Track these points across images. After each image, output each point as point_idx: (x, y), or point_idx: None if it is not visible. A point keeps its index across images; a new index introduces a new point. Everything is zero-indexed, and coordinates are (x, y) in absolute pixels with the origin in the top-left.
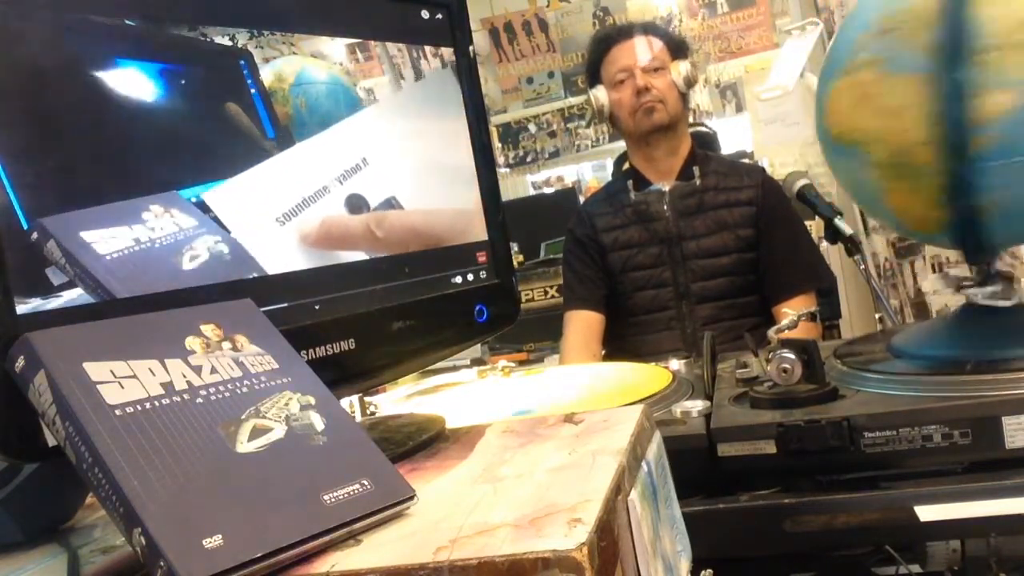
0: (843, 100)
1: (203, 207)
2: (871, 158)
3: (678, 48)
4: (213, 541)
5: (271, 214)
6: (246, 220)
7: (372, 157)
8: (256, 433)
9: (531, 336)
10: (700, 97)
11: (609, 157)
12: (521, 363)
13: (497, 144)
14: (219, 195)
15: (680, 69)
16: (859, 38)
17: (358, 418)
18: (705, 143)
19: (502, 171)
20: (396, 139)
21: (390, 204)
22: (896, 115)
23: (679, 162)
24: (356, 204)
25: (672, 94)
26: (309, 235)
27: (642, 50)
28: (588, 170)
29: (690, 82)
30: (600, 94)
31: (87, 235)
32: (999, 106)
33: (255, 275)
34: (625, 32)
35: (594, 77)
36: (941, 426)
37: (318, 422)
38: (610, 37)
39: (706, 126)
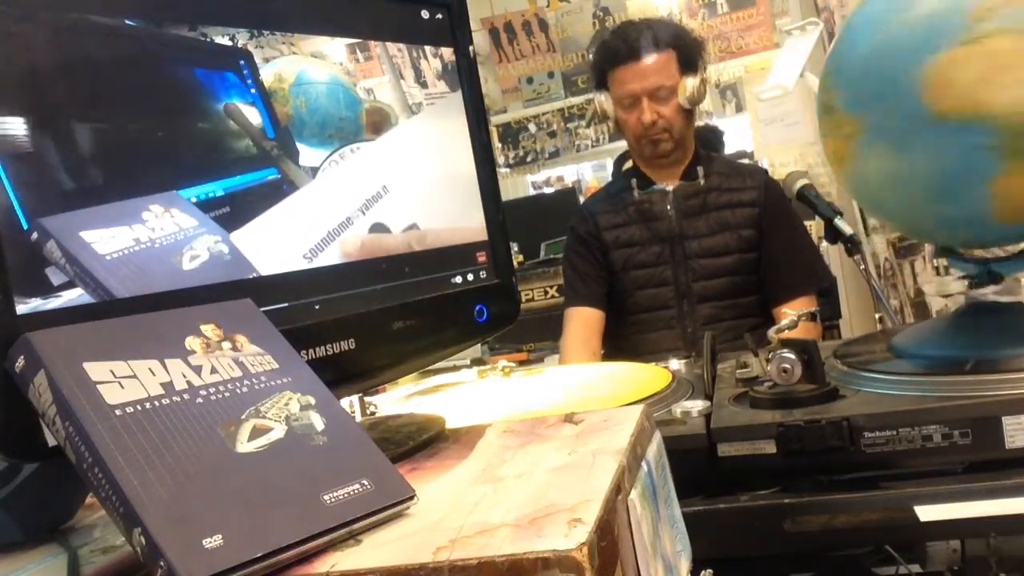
0: (962, 72)
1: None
2: (997, 133)
3: (688, 59)
4: (213, 541)
5: (298, 251)
6: (274, 258)
7: (391, 184)
8: (256, 433)
9: (531, 336)
10: None
11: (609, 157)
12: (521, 363)
13: (497, 144)
14: (246, 235)
15: (687, 86)
16: (976, 8)
17: (358, 418)
18: (709, 142)
19: (502, 171)
20: (413, 164)
21: (412, 229)
22: None
23: (683, 164)
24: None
25: (679, 119)
26: (351, 255)
27: (650, 75)
28: (588, 170)
29: (696, 100)
30: (605, 101)
31: (87, 235)
32: None
33: (255, 275)
34: (634, 51)
35: (600, 83)
36: (941, 426)
37: (318, 422)
38: (619, 54)
39: (711, 124)
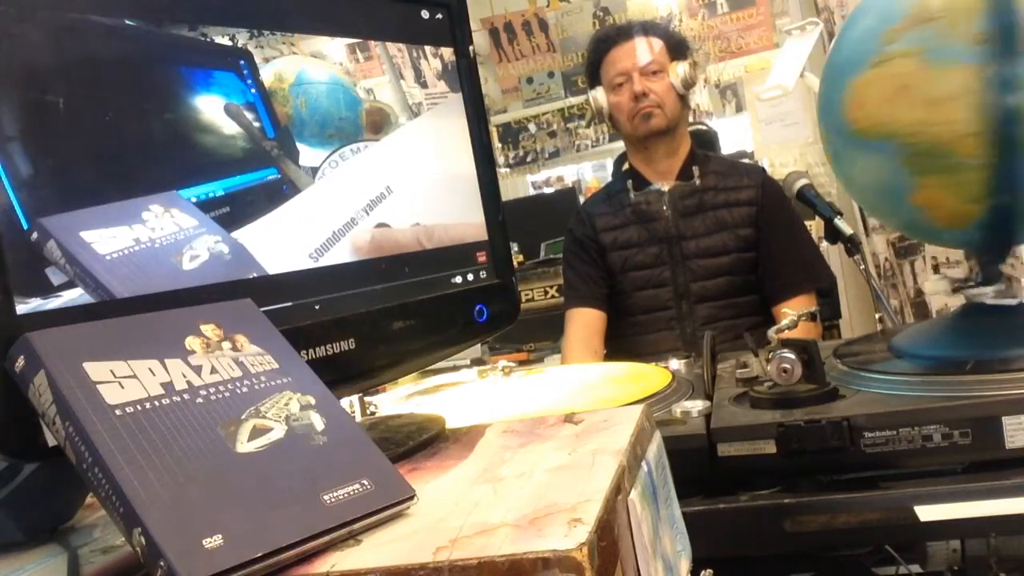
0: (872, 93)
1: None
2: (904, 151)
3: (677, 48)
4: (213, 541)
5: (304, 250)
6: (280, 257)
7: (395, 184)
8: (256, 433)
9: (531, 336)
10: (700, 97)
11: (609, 157)
12: (521, 363)
13: (497, 144)
14: (252, 234)
15: (679, 71)
16: (887, 30)
17: (358, 418)
18: (705, 143)
19: (502, 171)
20: (413, 164)
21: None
22: (939, 106)
23: (678, 163)
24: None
25: (670, 97)
26: (361, 248)
27: (640, 52)
28: (588, 170)
29: (688, 84)
30: (599, 95)
31: (87, 235)
32: None
33: (255, 275)
34: (624, 33)
35: (594, 78)
36: (941, 426)
37: (318, 422)
38: (609, 38)
39: (706, 125)
